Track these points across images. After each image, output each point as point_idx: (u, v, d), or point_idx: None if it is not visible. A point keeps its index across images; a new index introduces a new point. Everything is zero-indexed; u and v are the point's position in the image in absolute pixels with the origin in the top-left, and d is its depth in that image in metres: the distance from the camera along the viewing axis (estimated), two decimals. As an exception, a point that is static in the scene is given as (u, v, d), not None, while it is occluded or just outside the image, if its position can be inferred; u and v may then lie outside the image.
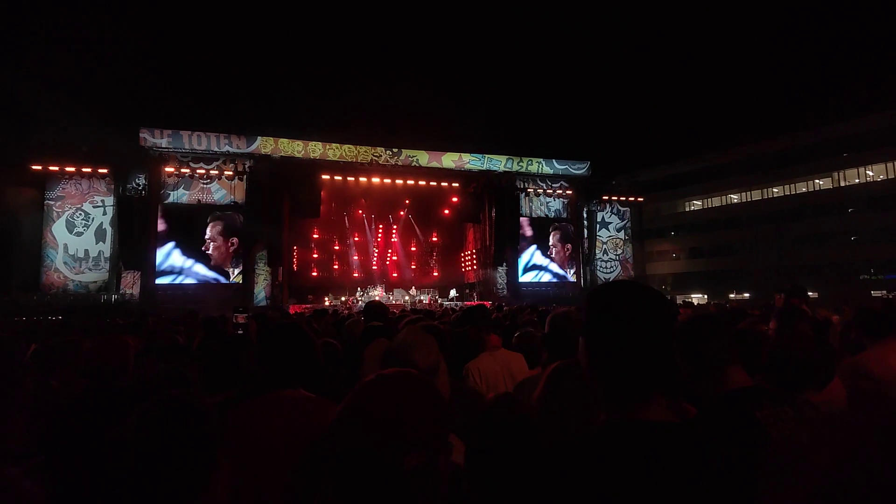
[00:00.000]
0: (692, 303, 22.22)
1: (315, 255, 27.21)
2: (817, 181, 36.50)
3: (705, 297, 35.00)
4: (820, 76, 60.73)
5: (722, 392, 1.59)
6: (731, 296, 34.27)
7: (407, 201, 27.79)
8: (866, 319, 2.95)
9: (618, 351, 0.97)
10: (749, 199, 39.47)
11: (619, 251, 29.63)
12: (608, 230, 29.54)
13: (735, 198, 40.62)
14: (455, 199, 27.60)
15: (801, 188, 37.12)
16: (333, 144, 24.30)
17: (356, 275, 27.21)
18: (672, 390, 1.04)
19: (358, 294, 23.49)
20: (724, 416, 1.53)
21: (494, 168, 26.65)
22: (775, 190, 38.28)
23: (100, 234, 22.00)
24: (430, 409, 0.88)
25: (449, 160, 25.94)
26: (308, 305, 20.76)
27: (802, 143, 35.63)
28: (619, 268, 29.25)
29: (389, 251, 28.69)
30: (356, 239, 27.89)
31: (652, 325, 0.97)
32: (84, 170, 21.58)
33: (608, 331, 0.99)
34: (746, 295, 33.50)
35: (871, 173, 34.25)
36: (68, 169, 21.44)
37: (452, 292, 25.64)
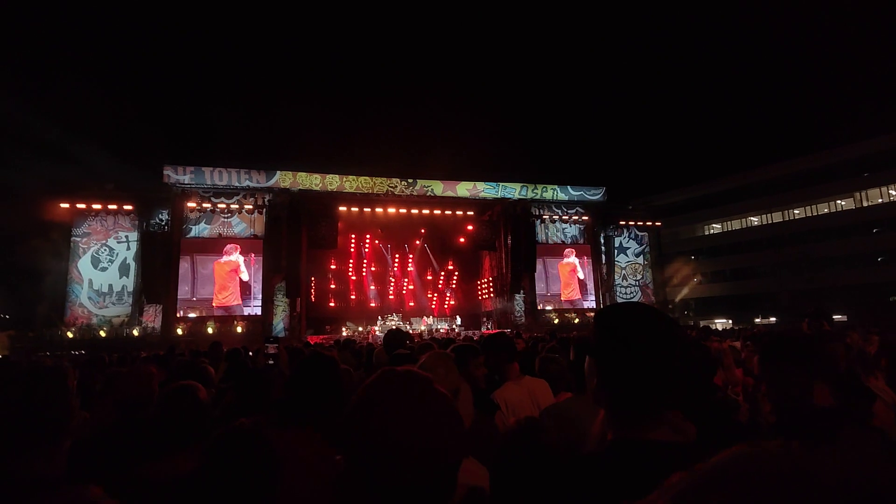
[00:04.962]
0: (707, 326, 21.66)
1: (332, 286, 27.37)
2: (839, 202, 35.88)
3: (730, 321, 34.16)
4: (837, 95, 60.47)
5: (807, 410, 1.54)
6: (757, 320, 33.40)
7: (422, 230, 27.98)
8: None
9: (624, 371, 0.99)
10: (770, 222, 38.89)
11: (639, 276, 29.24)
12: (626, 255, 29.25)
13: (755, 220, 40.08)
14: (470, 228, 27.71)
15: (823, 209, 36.51)
16: (350, 176, 24.75)
17: (373, 304, 27.25)
18: (684, 406, 1.04)
19: (378, 324, 23.43)
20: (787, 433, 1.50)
21: (509, 196, 26.78)
22: (796, 212, 37.71)
23: (123, 269, 22.45)
24: (443, 414, 0.80)
25: (464, 189, 26.18)
26: (326, 336, 20.78)
27: (822, 163, 35.24)
28: (640, 293, 28.81)
29: (406, 280, 28.74)
30: (373, 269, 28.04)
31: (658, 345, 0.98)
32: (110, 207, 22.24)
33: (615, 351, 1.01)
34: (773, 319, 32.61)
35: (893, 193, 33.60)
36: (95, 206, 22.12)
37: (458, 320, 25.16)
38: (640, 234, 29.84)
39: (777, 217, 38.55)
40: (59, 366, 1.19)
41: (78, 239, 22.26)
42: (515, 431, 1.52)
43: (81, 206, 22.00)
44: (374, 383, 0.83)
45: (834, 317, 5.30)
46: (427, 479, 0.73)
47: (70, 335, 20.63)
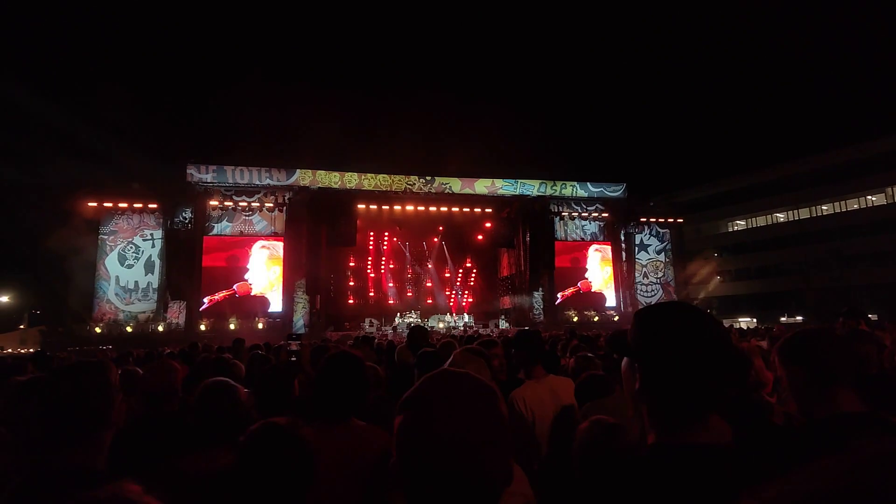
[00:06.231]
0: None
1: (351, 283, 27.57)
2: (869, 197, 34.78)
3: (755, 320, 33.42)
4: (868, 87, 58.60)
5: (826, 415, 1.44)
6: (783, 319, 32.60)
7: (441, 228, 27.99)
8: None
9: (669, 373, 0.96)
10: (797, 218, 37.88)
11: (660, 274, 28.80)
12: (648, 252, 28.82)
13: (781, 217, 39.09)
14: (488, 225, 27.63)
15: (853, 205, 35.43)
16: (368, 174, 24.89)
17: (391, 302, 27.37)
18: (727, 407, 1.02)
19: (396, 320, 23.57)
20: (806, 441, 1.42)
21: (527, 193, 26.61)
22: (824, 208, 36.65)
23: (149, 267, 22.98)
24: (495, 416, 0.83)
25: (482, 186, 26.10)
26: (345, 332, 20.96)
27: (851, 157, 34.17)
28: (661, 291, 28.38)
29: (424, 277, 28.79)
30: (391, 266, 28.16)
31: (704, 346, 0.95)
32: (136, 205, 22.80)
33: (660, 353, 0.97)
34: (799, 318, 31.80)
35: (928, 187, 32.45)
36: (121, 205, 22.70)
37: (467, 317, 25.06)
38: (661, 230, 29.38)
39: (804, 213, 37.52)
40: (101, 360, 1.24)
41: (105, 237, 22.87)
42: (593, 436, 1.52)
43: (108, 204, 22.61)
44: (433, 380, 0.86)
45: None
46: (477, 469, 0.76)
47: (98, 330, 21.22)
